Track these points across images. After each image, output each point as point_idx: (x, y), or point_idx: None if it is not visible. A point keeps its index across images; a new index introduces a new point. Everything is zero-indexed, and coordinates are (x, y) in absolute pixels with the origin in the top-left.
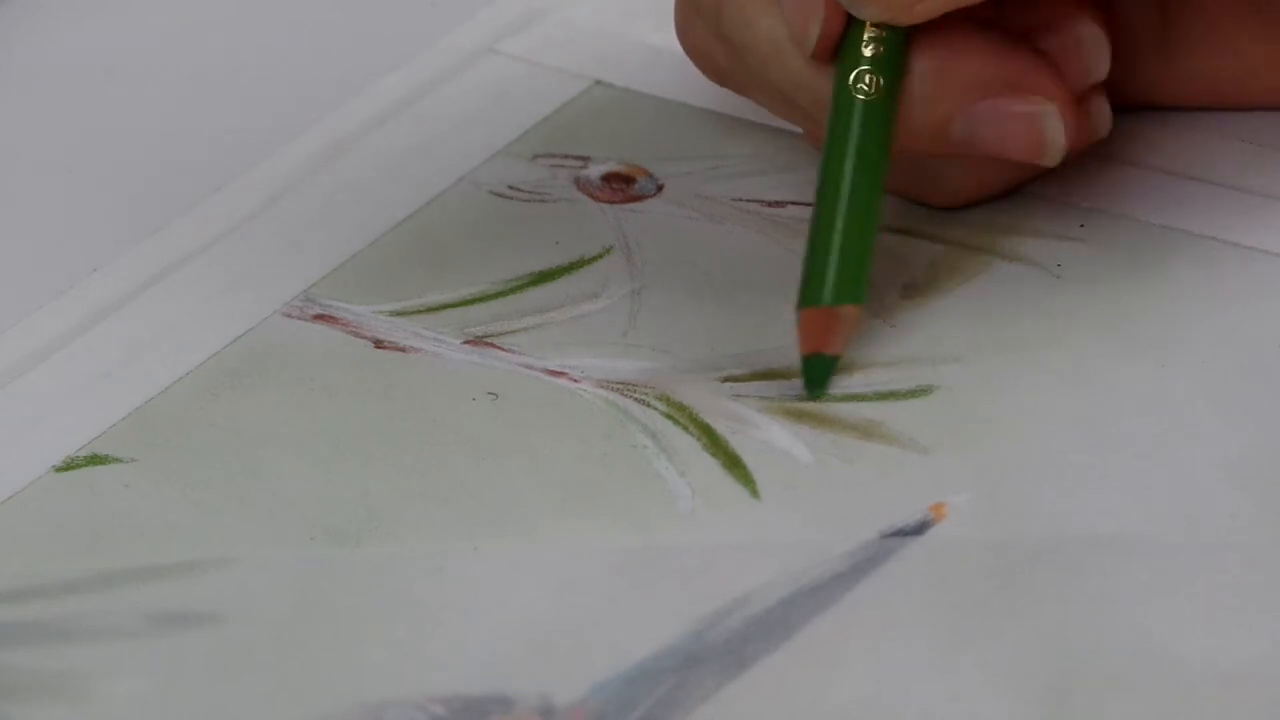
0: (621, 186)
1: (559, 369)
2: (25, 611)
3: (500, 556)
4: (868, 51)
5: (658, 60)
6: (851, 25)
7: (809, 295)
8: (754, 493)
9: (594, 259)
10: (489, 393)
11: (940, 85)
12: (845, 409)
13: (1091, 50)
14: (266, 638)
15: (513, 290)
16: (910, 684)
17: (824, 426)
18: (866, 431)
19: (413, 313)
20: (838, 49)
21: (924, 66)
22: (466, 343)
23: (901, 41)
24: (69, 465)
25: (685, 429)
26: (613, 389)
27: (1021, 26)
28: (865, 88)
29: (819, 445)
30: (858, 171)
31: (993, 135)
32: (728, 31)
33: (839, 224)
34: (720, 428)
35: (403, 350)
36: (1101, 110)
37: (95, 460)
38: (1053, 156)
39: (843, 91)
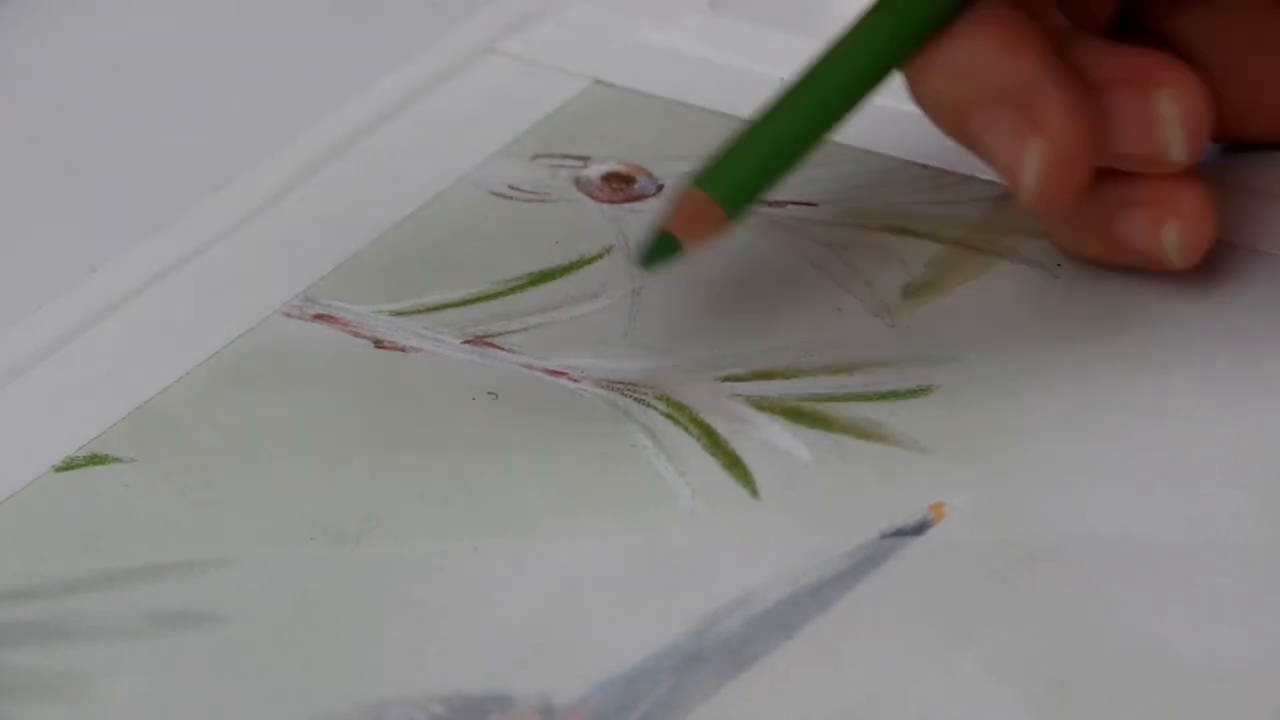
0: (621, 186)
1: (559, 369)
2: (25, 611)
3: (500, 556)
4: None
5: (658, 60)
6: None
7: (702, 177)
8: (754, 493)
9: (594, 259)
10: (489, 392)
11: (970, 62)
12: (845, 409)
13: (1165, 131)
14: (266, 638)
15: (513, 290)
16: (910, 684)
17: (824, 426)
18: (866, 431)
19: (413, 313)
20: None
21: (967, 36)
22: (466, 342)
23: (954, 6)
24: (69, 465)
25: (685, 429)
26: (612, 389)
27: (1102, 75)
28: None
29: (819, 445)
30: (827, 93)
31: (988, 144)
32: None
33: (771, 128)
34: (720, 427)
35: (403, 350)
36: (1199, 208)
37: (95, 460)
38: (1025, 196)
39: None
